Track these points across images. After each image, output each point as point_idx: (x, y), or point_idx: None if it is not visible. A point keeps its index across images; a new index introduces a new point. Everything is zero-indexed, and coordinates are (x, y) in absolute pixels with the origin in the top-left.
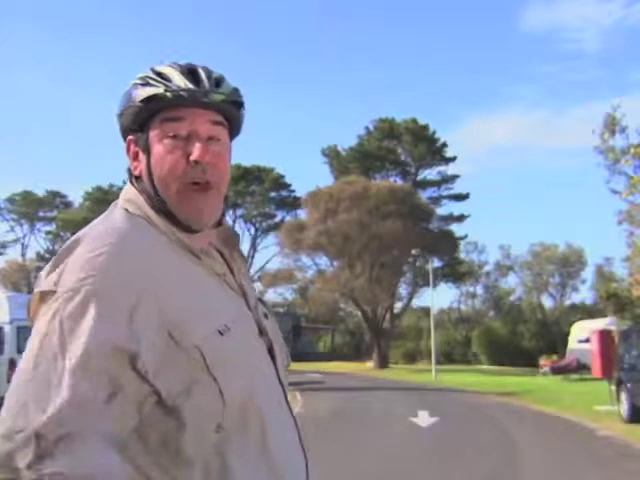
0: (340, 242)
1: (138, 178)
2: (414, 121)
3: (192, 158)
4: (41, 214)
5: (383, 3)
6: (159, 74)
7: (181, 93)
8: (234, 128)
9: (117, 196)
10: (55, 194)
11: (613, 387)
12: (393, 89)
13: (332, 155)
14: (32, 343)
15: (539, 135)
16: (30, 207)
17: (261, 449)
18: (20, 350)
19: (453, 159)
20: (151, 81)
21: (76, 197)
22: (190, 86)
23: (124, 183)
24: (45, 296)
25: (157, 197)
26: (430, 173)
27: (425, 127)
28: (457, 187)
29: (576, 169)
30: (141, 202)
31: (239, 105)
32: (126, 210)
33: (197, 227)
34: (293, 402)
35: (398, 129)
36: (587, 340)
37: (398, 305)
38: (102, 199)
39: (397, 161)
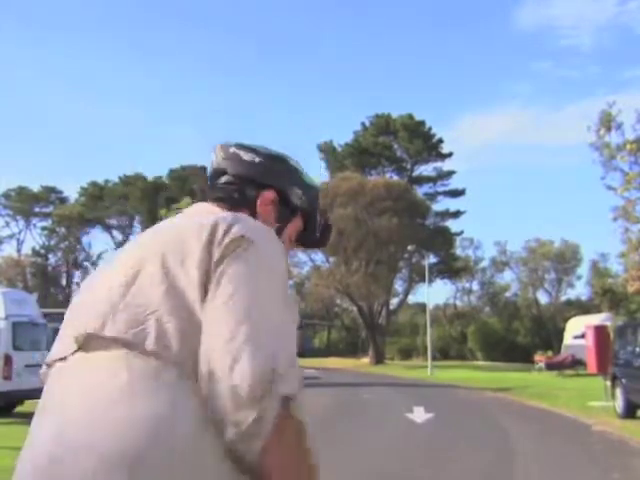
0: (336, 238)
1: (255, 215)
2: (410, 117)
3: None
4: (36, 210)
5: (380, 0)
6: None
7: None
8: None
9: (112, 191)
10: (50, 189)
11: (608, 383)
12: (389, 85)
13: (328, 151)
14: (253, 275)
15: (534, 131)
16: (25, 202)
17: None
18: (15, 345)
19: (449, 155)
20: None
21: (71, 193)
22: None
23: (119, 179)
24: (241, 241)
25: None
26: (426, 169)
27: (421, 123)
28: (453, 183)
29: (571, 165)
30: None
31: None
32: None
33: None
34: None
35: (394, 125)
36: (582, 336)
37: (394, 301)
38: (97, 195)
39: (393, 157)
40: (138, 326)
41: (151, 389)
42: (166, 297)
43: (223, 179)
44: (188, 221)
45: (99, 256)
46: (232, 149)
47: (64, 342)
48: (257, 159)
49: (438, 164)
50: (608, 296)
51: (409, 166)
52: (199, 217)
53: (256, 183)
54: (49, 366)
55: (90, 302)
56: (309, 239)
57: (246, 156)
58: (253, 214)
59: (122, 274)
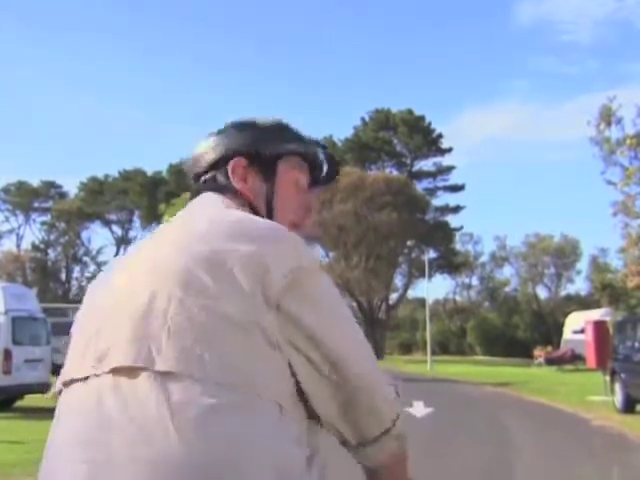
0: (336, 233)
1: (238, 194)
2: (410, 112)
3: (314, 214)
4: (36, 204)
5: None
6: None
7: (321, 159)
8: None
9: (112, 186)
10: (50, 184)
11: (607, 377)
12: (389, 80)
13: (328, 146)
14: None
15: (534, 127)
16: (25, 197)
17: None
18: (15, 340)
19: (449, 150)
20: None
21: (71, 187)
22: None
23: (119, 173)
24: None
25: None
26: (426, 164)
27: (421, 118)
28: (453, 178)
29: (571, 160)
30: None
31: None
32: None
33: None
34: None
35: (394, 120)
36: (582, 331)
37: (393, 296)
38: (97, 189)
39: (393, 152)
40: (190, 356)
41: (234, 425)
42: (212, 321)
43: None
44: (221, 238)
45: (99, 251)
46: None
47: (83, 362)
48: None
49: (438, 159)
50: (608, 291)
51: (409, 161)
52: (227, 229)
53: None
54: (66, 385)
55: (114, 320)
56: (319, 178)
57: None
58: (234, 192)
59: (147, 291)
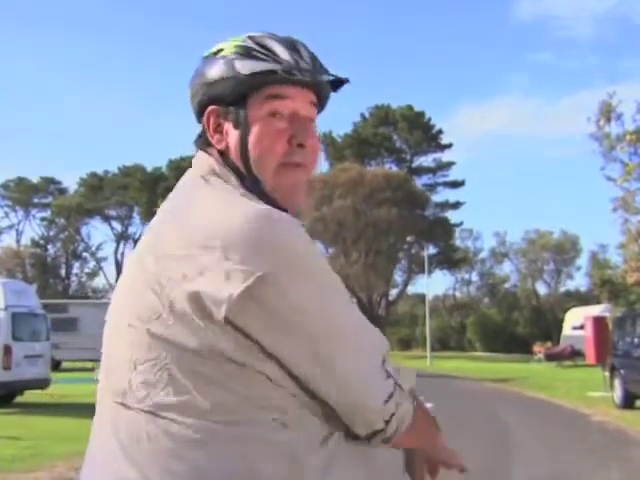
0: (335, 229)
1: (221, 153)
2: (410, 108)
3: (298, 142)
4: (36, 200)
5: None
6: (263, 46)
7: (293, 72)
8: (322, 108)
9: (112, 182)
10: (49, 180)
11: (607, 373)
12: (389, 76)
13: (327, 141)
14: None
15: (534, 122)
16: (24, 193)
17: None
18: (15, 336)
19: (449, 146)
20: (257, 54)
21: (70, 183)
22: (302, 64)
23: (118, 169)
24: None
25: (250, 175)
26: (425, 160)
27: (421, 114)
28: (452, 174)
29: (571, 156)
30: (233, 180)
31: (337, 86)
32: None
33: (291, 208)
34: None
35: (394, 116)
36: (581, 327)
37: (393, 292)
38: (96, 185)
39: (392, 148)
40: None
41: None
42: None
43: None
44: (173, 255)
45: (98, 247)
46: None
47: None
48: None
49: (437, 155)
50: (607, 287)
51: (409, 157)
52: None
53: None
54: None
55: (117, 351)
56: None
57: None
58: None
59: (131, 313)
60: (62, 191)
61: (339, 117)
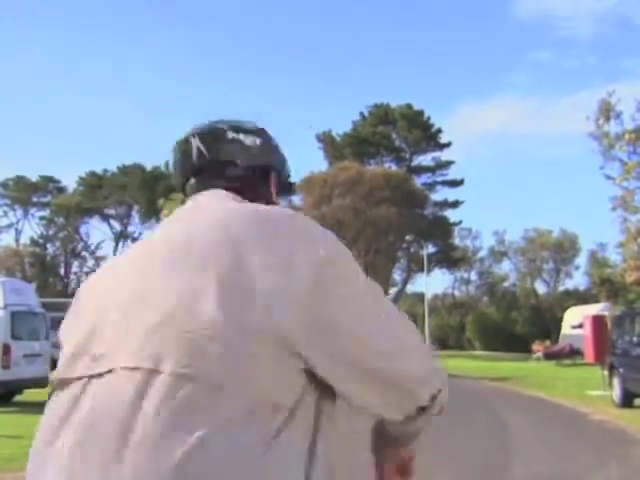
0: (334, 228)
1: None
2: (409, 107)
3: None
4: (35, 199)
5: None
6: None
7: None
8: None
9: (111, 181)
10: (49, 179)
11: (606, 372)
12: (388, 75)
13: (326, 140)
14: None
15: (533, 121)
16: (23, 192)
17: None
18: (14, 335)
19: (448, 145)
20: None
21: (70, 182)
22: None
23: (118, 168)
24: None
25: None
26: (425, 159)
27: (420, 113)
28: (452, 173)
29: (570, 155)
30: None
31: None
32: None
33: None
34: None
35: (393, 115)
36: (580, 325)
37: (392, 291)
38: (96, 184)
39: (392, 147)
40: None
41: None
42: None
43: (233, 170)
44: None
45: (97, 246)
46: (230, 134)
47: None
48: (258, 141)
49: (437, 154)
50: (606, 286)
51: (408, 156)
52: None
53: (261, 167)
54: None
55: (123, 320)
56: (284, 190)
57: (247, 140)
58: (269, 198)
59: (173, 292)
60: (61, 190)
61: (338, 116)
